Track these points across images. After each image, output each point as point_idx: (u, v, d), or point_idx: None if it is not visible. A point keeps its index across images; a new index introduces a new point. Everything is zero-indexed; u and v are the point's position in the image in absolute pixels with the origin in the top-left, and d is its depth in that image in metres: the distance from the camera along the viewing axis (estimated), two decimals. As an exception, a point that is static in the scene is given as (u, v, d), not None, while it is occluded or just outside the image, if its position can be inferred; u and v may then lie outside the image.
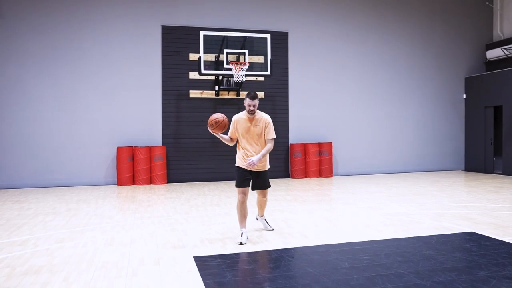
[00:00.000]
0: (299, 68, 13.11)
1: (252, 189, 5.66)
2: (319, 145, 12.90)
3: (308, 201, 8.78)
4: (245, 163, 5.52)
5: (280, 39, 12.86)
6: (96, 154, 11.64)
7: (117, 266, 4.58)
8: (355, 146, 13.73)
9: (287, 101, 12.97)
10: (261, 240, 5.63)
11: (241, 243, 5.37)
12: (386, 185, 11.22)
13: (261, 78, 12.47)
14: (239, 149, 5.69)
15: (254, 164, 5.42)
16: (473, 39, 15.18)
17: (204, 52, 11.38)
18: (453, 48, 14.92)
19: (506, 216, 7.12)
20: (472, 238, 5.73)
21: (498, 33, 15.07)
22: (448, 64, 14.86)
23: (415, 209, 7.81)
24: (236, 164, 5.70)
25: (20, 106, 11.20)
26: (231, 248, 5.27)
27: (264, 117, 5.62)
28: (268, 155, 5.75)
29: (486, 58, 15.04)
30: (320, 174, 12.92)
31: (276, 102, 12.87)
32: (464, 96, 15.01)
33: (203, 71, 11.38)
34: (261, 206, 6.06)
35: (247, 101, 5.48)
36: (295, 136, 13.04)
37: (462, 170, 14.93)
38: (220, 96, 12.32)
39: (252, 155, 5.53)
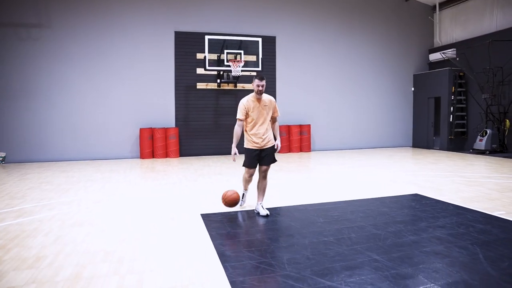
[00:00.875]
0: (285, 65, 13.03)
1: (261, 165, 4.88)
2: (300, 126, 12.91)
3: (291, 171, 8.84)
4: (256, 145, 4.75)
5: (269, 42, 12.74)
6: (123, 133, 11.57)
7: (141, 221, 4.62)
8: (328, 127, 13.76)
9: (275, 91, 12.91)
10: (254, 201, 5.67)
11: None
12: (352, 158, 11.30)
13: (254, 73, 12.39)
14: (246, 131, 4.84)
15: (279, 147, 4.94)
16: (420, 44, 15.13)
17: (209, 52, 11.28)
18: (405, 51, 14.88)
19: (442, 181, 7.23)
20: (416, 198, 5.83)
21: (438, 40, 15.02)
22: (400, 64, 14.83)
23: (374, 177, 7.90)
24: (245, 146, 4.84)
25: (65, 98, 11.08)
26: (223, 208, 5.31)
27: (269, 97, 4.88)
28: None
29: (429, 60, 15.00)
30: (301, 149, 12.95)
31: (266, 92, 12.75)
32: (413, 89, 15.01)
33: (207, 68, 11.29)
34: (263, 189, 4.98)
35: (256, 82, 4.70)
36: (281, 119, 13.01)
37: (410, 146, 15.04)
38: (221, 88, 12.25)
39: (262, 135, 4.77)
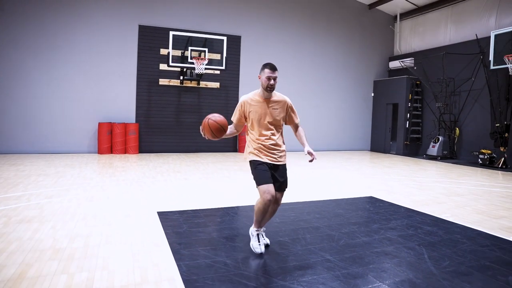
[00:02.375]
0: (249, 65, 13.06)
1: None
2: (261, 127, 12.99)
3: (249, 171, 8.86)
4: (267, 157, 3.44)
5: (234, 41, 12.76)
6: (80, 127, 11.18)
7: (96, 218, 4.49)
8: (290, 129, 13.88)
9: (238, 90, 12.94)
10: (212, 199, 5.66)
11: (261, 254, 3.43)
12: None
13: (218, 72, 12.36)
14: (252, 140, 3.50)
15: (314, 156, 3.69)
16: (380, 52, 15.66)
17: (172, 48, 11.11)
18: (366, 58, 15.34)
19: (395, 185, 7.51)
20: (371, 200, 6.02)
21: (397, 49, 15.62)
22: (362, 70, 15.28)
23: (332, 178, 8.09)
24: (251, 159, 3.46)
25: (19, 86, 10.53)
26: (188, 205, 5.27)
27: (282, 97, 3.60)
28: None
29: (389, 67, 15.57)
30: (261, 149, 13.03)
31: (229, 91, 12.81)
32: (372, 94, 15.51)
33: (171, 64, 11.12)
34: (271, 214, 3.62)
35: (265, 73, 3.35)
36: (242, 119, 13.05)
37: (368, 150, 15.52)
38: (184, 85, 12.11)
39: (271, 149, 3.47)
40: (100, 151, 11.09)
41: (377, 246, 3.81)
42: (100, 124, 11.02)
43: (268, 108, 3.49)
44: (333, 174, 8.79)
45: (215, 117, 3.37)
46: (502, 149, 11.00)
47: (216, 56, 11.77)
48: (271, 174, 3.44)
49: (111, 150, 11.22)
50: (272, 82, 3.39)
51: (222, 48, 11.60)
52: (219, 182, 7.14)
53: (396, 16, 15.58)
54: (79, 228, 4.07)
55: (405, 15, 15.23)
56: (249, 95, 3.56)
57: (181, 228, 4.21)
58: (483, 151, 11.36)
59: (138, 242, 3.72)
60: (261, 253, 3.42)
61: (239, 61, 12.94)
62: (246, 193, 6.27)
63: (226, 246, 3.69)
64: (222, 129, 3.37)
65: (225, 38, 11.62)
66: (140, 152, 11.68)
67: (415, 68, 14.11)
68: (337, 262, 3.34)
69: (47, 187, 6.22)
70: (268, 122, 3.49)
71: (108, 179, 7.15)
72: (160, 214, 4.75)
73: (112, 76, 11.44)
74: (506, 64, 9.95)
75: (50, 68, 10.79)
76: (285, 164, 3.62)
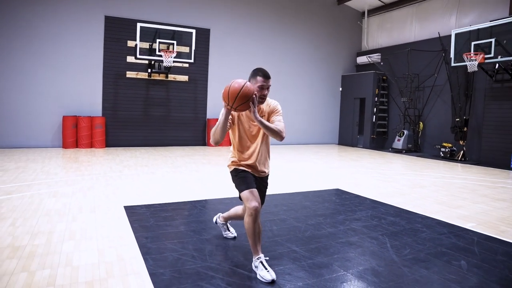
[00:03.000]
0: (218, 58, 13.01)
1: None
2: (231, 121, 12.96)
3: (219, 164, 8.86)
4: (247, 168, 3.09)
5: (203, 34, 12.64)
6: (44, 121, 10.77)
7: (59, 214, 4.37)
8: (258, 123, 13.97)
9: (206, 84, 12.86)
10: (179, 193, 5.63)
11: (273, 281, 2.80)
12: (281, 153, 11.60)
13: (186, 65, 12.23)
14: (234, 147, 3.15)
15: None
16: (349, 47, 15.94)
17: (140, 41, 10.90)
18: (335, 53, 15.58)
19: (362, 177, 7.71)
20: (337, 192, 6.16)
21: (365, 45, 15.95)
22: (330, 65, 15.51)
23: (300, 172, 8.20)
24: (232, 169, 3.14)
25: (-28, 76, 10.05)
26: (155, 199, 5.22)
27: (268, 103, 3.05)
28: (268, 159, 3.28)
29: (356, 62, 15.88)
30: (230, 143, 12.97)
31: (197, 84, 12.71)
32: (340, 89, 15.80)
33: (138, 56, 10.91)
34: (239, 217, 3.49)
35: (258, 82, 2.89)
36: (211, 112, 12.99)
37: (336, 144, 15.81)
38: (152, 78, 11.91)
39: (254, 162, 3.08)
40: (64, 145, 10.76)
41: (342, 236, 3.91)
42: (64, 118, 10.68)
43: (262, 115, 3.01)
44: (301, 167, 8.91)
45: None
46: (461, 142, 11.47)
47: (185, 49, 11.64)
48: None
49: (76, 144, 10.91)
50: (265, 92, 2.91)
51: (191, 41, 11.47)
52: (187, 176, 7.10)
53: (364, 12, 15.88)
54: (41, 225, 3.95)
55: (373, 11, 15.55)
56: None
57: (148, 222, 4.17)
58: (444, 144, 11.82)
59: (104, 237, 3.66)
60: (273, 280, 2.81)
61: (208, 54, 12.85)
62: (214, 186, 6.27)
63: (193, 239, 3.69)
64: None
65: (193, 31, 11.50)
66: (107, 146, 11.42)
67: (381, 63, 14.45)
68: (303, 253, 3.41)
69: (6, 183, 5.99)
70: (251, 133, 3.05)
71: (73, 173, 6.96)
72: (127, 208, 4.69)
73: (77, 68, 11.09)
74: (465, 61, 10.35)
75: (11, 59, 10.32)
76: (267, 177, 3.28)
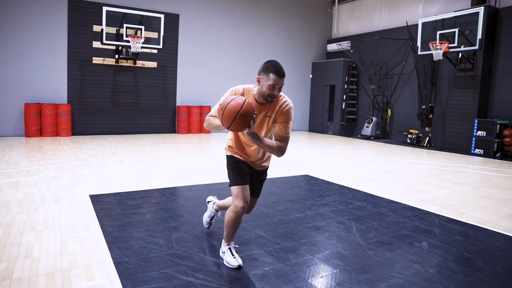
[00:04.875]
0: (187, 44, 12.77)
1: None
2: (200, 107, 12.82)
3: (189, 152, 8.77)
4: (244, 157, 2.84)
5: (173, 20, 12.36)
6: (4, 108, 10.29)
7: (20, 204, 4.21)
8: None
9: (176, 71, 12.63)
10: (147, 181, 5.54)
11: (239, 266, 2.80)
12: (251, 140, 11.58)
13: (155, 51, 11.95)
14: (232, 138, 2.86)
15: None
16: (319, 35, 16.00)
17: (106, 25, 10.53)
18: (305, 41, 15.60)
19: (331, 163, 7.82)
20: (306, 178, 6.22)
21: (335, 32, 16.06)
22: (301, 52, 15.53)
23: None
24: (228, 154, 2.89)
25: None
26: (122, 187, 5.11)
27: (281, 102, 2.66)
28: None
29: (326, 50, 15.98)
30: (200, 131, 12.88)
31: (166, 71, 12.46)
32: (311, 76, 15.88)
33: (105, 42, 10.55)
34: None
35: (270, 80, 2.48)
36: (181, 99, 12.80)
37: (306, 130, 15.95)
38: (119, 64, 11.57)
39: (255, 157, 2.86)
40: (27, 134, 10.34)
41: (310, 221, 3.95)
42: (26, 105, 10.25)
43: (261, 114, 2.66)
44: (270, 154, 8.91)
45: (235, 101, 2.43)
46: (427, 129, 11.81)
47: (154, 35, 11.35)
48: (251, 181, 2.89)
49: (40, 133, 10.51)
50: (275, 92, 2.53)
51: (160, 26, 11.20)
52: (155, 164, 6.99)
53: (334, 0, 15.93)
54: (0, 216, 3.79)
55: (342, -1, 15.63)
56: (238, 88, 2.65)
57: (114, 210, 4.09)
58: (411, 131, 12.13)
59: (68, 227, 3.55)
60: (240, 266, 2.80)
61: (177, 40, 12.59)
62: (183, 173, 6.20)
63: (160, 227, 3.64)
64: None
65: (162, 16, 11.22)
66: (74, 135, 11.07)
67: (351, 51, 14.59)
68: (270, 238, 3.43)
69: (-36, 172, 5.72)
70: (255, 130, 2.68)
71: (36, 163, 6.71)
72: (93, 197, 4.57)
73: (39, 53, 10.60)
74: (431, 50, 10.59)
75: (-34, 43, 9.79)
76: (266, 170, 3.05)
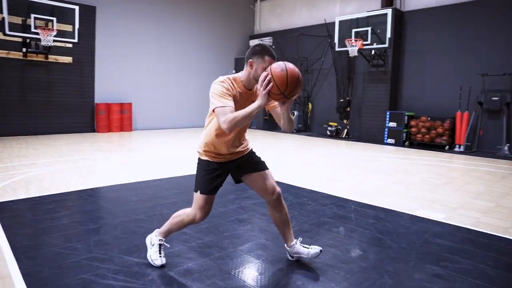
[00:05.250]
0: (105, 38, 12.12)
1: (242, 177, 2.83)
2: (121, 105, 12.28)
3: (109, 151, 8.38)
4: (221, 158, 2.70)
5: (89, 12, 11.64)
6: None
7: None
8: (151, 106, 13.51)
9: (93, 66, 11.95)
10: (63, 183, 5.20)
11: (162, 265, 2.76)
12: (175, 137, 11.40)
13: (70, 45, 11.18)
14: (216, 136, 2.62)
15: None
16: (242, 31, 16.16)
17: (10, 14, 9.59)
18: (228, 36, 15.65)
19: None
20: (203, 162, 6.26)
21: (257, 28, 16.34)
22: (224, 48, 15.56)
23: (193, 154, 8.14)
24: (205, 159, 2.71)
25: None
26: (34, 193, 4.74)
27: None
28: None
29: (249, 46, 16.18)
30: (121, 129, 12.36)
31: (83, 67, 11.74)
32: (234, 71, 15.97)
33: (8, 32, 9.58)
34: (285, 222, 2.89)
35: (266, 62, 2.41)
36: (100, 96, 12.16)
37: (232, 126, 16.03)
38: (28, 58, 10.63)
39: (238, 146, 2.75)
40: None
41: (232, 215, 4.01)
42: None
43: (248, 99, 2.55)
44: (193, 149, 8.85)
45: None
46: (345, 121, 12.53)
47: (68, 28, 10.61)
48: (239, 167, 2.76)
49: None
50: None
51: (74, 18, 10.50)
52: (73, 165, 6.58)
53: (255, -3, 16.18)
54: None
55: (264, -4, 15.93)
56: (223, 79, 2.51)
57: (24, 218, 3.78)
58: (331, 123, 12.78)
59: (-34, 237, 3.22)
60: (163, 265, 2.76)
61: (94, 34, 11.91)
62: (104, 173, 5.92)
63: (77, 231, 3.45)
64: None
65: (77, 8, 10.52)
66: (-25, 136, 10.02)
67: (273, 47, 14.92)
68: (192, 234, 3.42)
69: None
70: None
71: None
72: (-2, 204, 4.18)
73: None
74: (347, 47, 11.23)
75: None
76: (250, 151, 2.87)
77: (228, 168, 2.74)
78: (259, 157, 2.88)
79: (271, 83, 2.23)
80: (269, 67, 2.31)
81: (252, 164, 2.78)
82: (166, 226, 2.83)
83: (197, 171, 2.72)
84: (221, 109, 2.34)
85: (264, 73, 2.28)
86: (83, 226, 3.59)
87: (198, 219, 2.67)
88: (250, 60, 2.48)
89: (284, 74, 2.23)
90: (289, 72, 2.24)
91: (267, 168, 2.81)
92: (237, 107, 2.40)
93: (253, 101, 2.40)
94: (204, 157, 2.69)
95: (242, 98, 2.53)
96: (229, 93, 2.43)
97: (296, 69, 2.30)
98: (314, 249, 2.82)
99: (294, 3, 14.88)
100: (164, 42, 13.62)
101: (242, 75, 2.54)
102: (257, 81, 2.43)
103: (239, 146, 2.74)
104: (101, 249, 3.06)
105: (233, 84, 2.50)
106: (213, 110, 2.40)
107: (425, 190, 5.44)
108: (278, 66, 2.26)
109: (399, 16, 11.33)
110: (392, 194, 5.17)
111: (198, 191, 2.66)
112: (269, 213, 2.84)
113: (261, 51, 2.46)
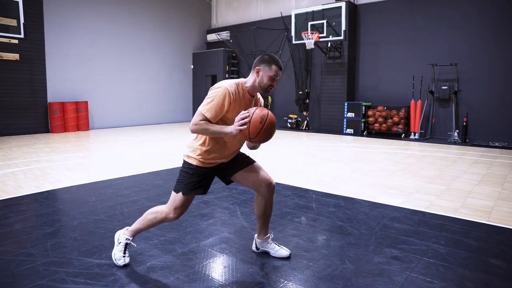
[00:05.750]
0: (56, 34, 11.59)
1: (232, 176, 2.75)
2: (76, 103, 11.83)
3: (65, 151, 8.07)
4: (213, 162, 2.60)
5: (35, 6, 11.07)
6: None
7: None
8: (108, 104, 13.12)
9: (44, 64, 11.41)
10: (15, 187, 4.96)
11: (124, 265, 2.72)
12: (133, 134, 11.15)
13: (16, 41, 10.58)
14: (209, 144, 2.54)
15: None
16: (199, 25, 15.99)
17: None
18: (185, 31, 15.44)
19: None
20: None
21: (214, 22, 16.22)
22: (181, 43, 15.33)
23: (153, 152, 8.02)
24: (195, 164, 2.57)
25: None
26: (-17, 197, 4.49)
27: (260, 96, 2.74)
28: None
29: (207, 40, 16.05)
30: (78, 128, 11.92)
31: (33, 64, 11.17)
32: (192, 66, 15.81)
33: None
34: (268, 215, 2.84)
35: (272, 71, 2.48)
36: (53, 95, 11.65)
37: (189, 121, 15.82)
38: (-30, 56, 10.03)
39: (232, 153, 2.69)
40: None
41: (195, 210, 3.98)
42: None
43: (249, 106, 2.57)
44: (154, 147, 8.72)
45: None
46: (305, 113, 12.72)
47: (12, 22, 10.04)
48: (228, 166, 2.72)
49: None
50: (275, 84, 2.55)
51: (18, 12, 9.95)
52: (25, 167, 6.28)
53: (211, -10, 16.03)
54: None
55: (220, -11, 15.81)
56: (231, 85, 2.45)
57: (-28, 224, 3.57)
58: (291, 116, 12.94)
59: None
60: (125, 265, 2.73)
61: (43, 30, 11.36)
62: (59, 175, 5.69)
63: (32, 236, 3.30)
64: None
65: (20, 0, 9.98)
66: None
67: (231, 41, 14.88)
68: (154, 231, 3.37)
69: None
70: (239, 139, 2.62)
71: None
72: None
73: None
74: (303, 40, 11.38)
75: None
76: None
77: (216, 171, 2.71)
78: (243, 152, 2.85)
79: (246, 126, 2.33)
80: (253, 111, 2.38)
81: (239, 161, 2.76)
82: (136, 224, 2.77)
83: (182, 173, 2.65)
84: (203, 112, 2.39)
85: (246, 114, 2.36)
86: (38, 230, 3.45)
87: (171, 218, 2.64)
88: (258, 67, 2.52)
89: (260, 126, 2.35)
90: (265, 127, 2.36)
91: (255, 161, 2.80)
92: (239, 111, 2.45)
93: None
94: (193, 162, 2.59)
95: (245, 103, 2.55)
96: (224, 102, 2.40)
97: (273, 126, 2.42)
98: (284, 250, 2.90)
99: (250, -3, 14.88)
100: (119, 37, 13.23)
101: (247, 80, 2.57)
102: (261, 88, 2.53)
103: (237, 148, 2.71)
104: (58, 252, 2.95)
105: (237, 89, 2.49)
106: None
107: (383, 177, 5.64)
108: (259, 117, 2.35)
109: (353, 9, 11.61)
110: (351, 182, 5.32)
111: (180, 192, 2.61)
112: (255, 204, 2.81)
113: (269, 60, 2.51)
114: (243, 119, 2.34)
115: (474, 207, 4.18)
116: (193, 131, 2.42)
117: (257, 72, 2.52)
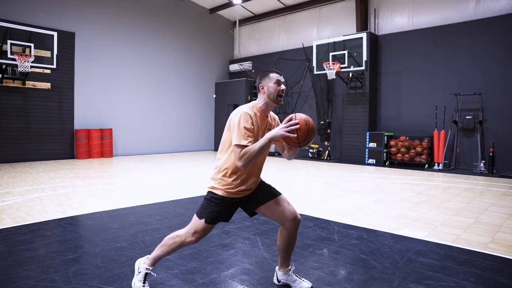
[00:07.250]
0: (84, 64, 12.09)
1: (257, 208, 2.71)
2: (101, 130, 12.16)
3: (89, 177, 8.22)
4: (241, 193, 2.60)
5: (68, 38, 11.62)
6: None
7: None
8: (132, 131, 13.42)
9: (73, 92, 11.85)
10: (41, 212, 5.06)
11: None
12: (155, 162, 11.29)
13: (48, 71, 11.09)
14: (233, 175, 2.54)
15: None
16: (222, 55, 16.38)
17: (-14, 42, 9.51)
18: (208, 62, 15.83)
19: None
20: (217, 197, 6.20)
21: (237, 53, 16.59)
22: (204, 72, 15.70)
23: (175, 179, 8.07)
24: (220, 194, 2.55)
25: None
26: (8, 223, 4.57)
27: (275, 116, 2.74)
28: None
29: (229, 70, 16.39)
30: (102, 155, 12.20)
31: (62, 92, 11.62)
32: (214, 96, 16.10)
33: (-17, 60, 9.51)
34: (291, 247, 2.76)
35: (273, 78, 2.52)
36: (80, 122, 12.01)
37: (212, 150, 16.01)
38: (4, 84, 10.47)
39: (255, 182, 2.65)
40: None
41: (216, 240, 3.95)
42: None
43: (265, 127, 2.58)
44: (176, 175, 8.79)
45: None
46: (326, 143, 12.66)
47: (46, 53, 10.55)
48: (251, 197, 2.69)
49: None
50: (284, 88, 2.54)
51: (53, 44, 10.45)
52: (51, 192, 6.42)
53: (235, 22, 16.47)
54: None
55: (244, 21, 16.24)
56: (247, 109, 2.47)
57: (-3, 249, 3.64)
58: (312, 145, 12.89)
59: None
60: None
61: (74, 60, 11.86)
62: (83, 201, 5.78)
63: (55, 261, 3.33)
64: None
65: (55, 34, 10.50)
66: None
67: (253, 71, 15.15)
68: (175, 261, 3.35)
69: None
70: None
71: None
72: (-29, 236, 4.02)
73: None
74: (325, 70, 11.48)
75: None
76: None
77: (242, 202, 2.69)
78: (268, 184, 2.80)
79: (295, 133, 2.32)
80: (295, 115, 2.40)
81: (265, 193, 2.70)
82: (156, 251, 2.72)
83: (206, 200, 2.62)
84: (240, 146, 2.35)
85: (292, 116, 2.38)
86: (61, 256, 3.48)
87: (190, 241, 2.61)
88: (261, 84, 2.56)
89: (306, 129, 2.36)
90: (310, 129, 2.38)
91: (280, 193, 2.73)
92: (258, 133, 2.49)
93: (269, 129, 2.57)
94: (219, 193, 2.57)
95: (262, 124, 2.55)
96: (253, 127, 2.42)
97: (315, 128, 2.46)
98: (306, 283, 2.80)
99: (272, 28, 15.20)
100: (144, 67, 13.66)
101: (258, 101, 2.58)
102: (273, 99, 2.52)
103: (257, 179, 2.68)
104: (80, 279, 2.96)
105: (254, 111, 2.50)
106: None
107: (406, 209, 5.50)
108: (304, 120, 2.37)
109: (374, 39, 11.70)
110: (374, 214, 5.20)
111: (203, 220, 2.58)
112: (279, 236, 2.74)
113: (265, 72, 2.58)
114: (291, 125, 2.31)
115: (505, 243, 4.00)
116: (245, 165, 2.35)
117: (262, 88, 2.54)
